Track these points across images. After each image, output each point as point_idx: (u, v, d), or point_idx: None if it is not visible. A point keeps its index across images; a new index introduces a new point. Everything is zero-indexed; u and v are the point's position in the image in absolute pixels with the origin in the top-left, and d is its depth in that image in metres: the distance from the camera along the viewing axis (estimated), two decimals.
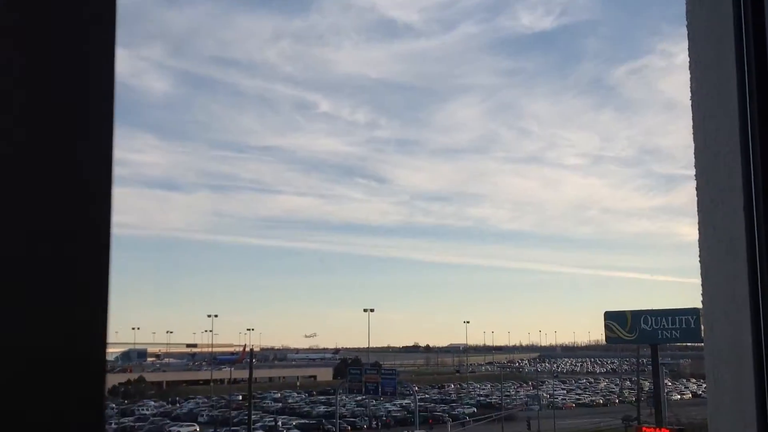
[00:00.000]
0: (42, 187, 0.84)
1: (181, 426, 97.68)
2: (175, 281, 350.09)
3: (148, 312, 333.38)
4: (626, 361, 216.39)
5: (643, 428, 53.55)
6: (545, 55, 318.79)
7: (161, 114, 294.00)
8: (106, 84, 0.90)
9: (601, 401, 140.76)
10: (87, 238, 0.87)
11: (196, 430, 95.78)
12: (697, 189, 1.94)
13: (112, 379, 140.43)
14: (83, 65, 0.88)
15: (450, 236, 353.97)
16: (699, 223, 1.92)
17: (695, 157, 1.94)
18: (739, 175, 1.79)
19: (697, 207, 1.93)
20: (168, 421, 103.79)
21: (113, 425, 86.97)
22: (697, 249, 1.91)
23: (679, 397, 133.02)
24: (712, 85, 1.94)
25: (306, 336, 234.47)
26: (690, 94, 2.02)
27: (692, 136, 1.94)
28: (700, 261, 1.92)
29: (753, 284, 1.73)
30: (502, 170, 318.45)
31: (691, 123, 2.00)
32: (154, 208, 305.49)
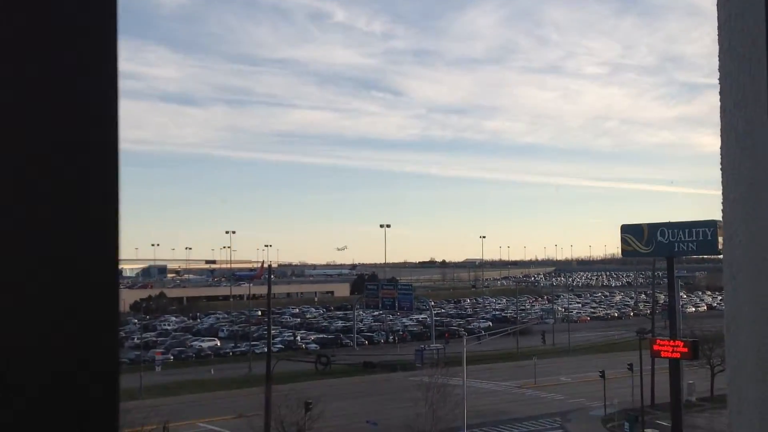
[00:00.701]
0: (46, 105, 0.84)
1: (203, 341, 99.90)
2: (193, 197, 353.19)
3: (166, 228, 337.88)
4: (642, 274, 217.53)
5: (657, 340, 53.97)
6: None
7: (174, 26, 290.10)
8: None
9: (616, 314, 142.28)
10: (95, 153, 0.86)
11: (216, 344, 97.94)
12: (720, 93, 1.83)
13: (133, 295, 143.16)
14: None
15: (467, 150, 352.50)
16: (721, 129, 1.83)
17: (719, 60, 1.83)
18: (765, 78, 1.69)
19: (720, 112, 1.83)
20: (189, 336, 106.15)
21: (136, 340, 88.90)
22: (718, 159, 1.86)
23: (693, 309, 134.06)
24: None
25: (338, 249, 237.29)
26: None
27: (716, 37, 1.87)
28: (721, 168, 1.84)
29: None
30: (520, 81, 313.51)
31: (715, 26, 1.89)
32: (170, 122, 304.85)
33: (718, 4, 1.88)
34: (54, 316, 0.82)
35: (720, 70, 1.86)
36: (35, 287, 0.81)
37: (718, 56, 1.86)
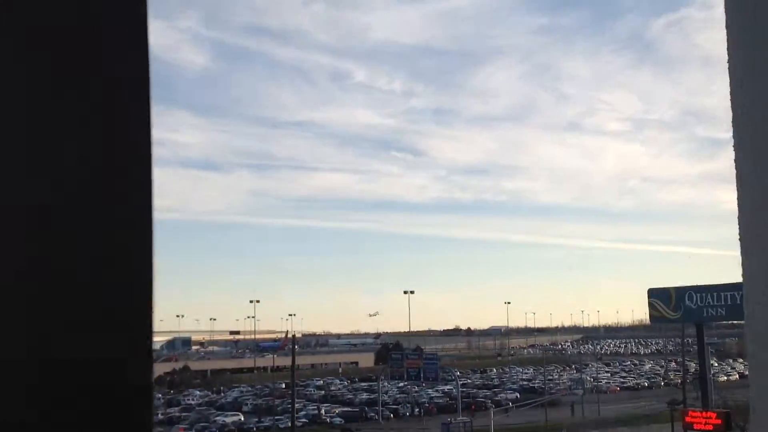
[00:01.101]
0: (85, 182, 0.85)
1: (226, 416, 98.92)
2: (217, 265, 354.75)
3: (191, 298, 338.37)
4: (671, 341, 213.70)
5: (690, 411, 52.71)
6: (580, 9, 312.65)
7: (196, 90, 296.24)
8: (141, 59, 0.89)
9: (646, 384, 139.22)
10: (131, 228, 0.87)
11: (240, 419, 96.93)
12: (735, 160, 1.77)
13: (158, 369, 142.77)
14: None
15: (488, 211, 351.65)
16: (738, 196, 1.77)
17: (733, 124, 1.79)
18: None
19: (736, 178, 1.77)
20: (213, 411, 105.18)
21: (159, 415, 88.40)
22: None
23: (725, 378, 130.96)
24: (749, 41, 1.76)
25: (369, 315, 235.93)
26: (727, 55, 1.83)
27: (729, 99, 1.79)
28: (739, 238, 1.78)
29: None
30: (539, 139, 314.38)
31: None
32: (192, 188, 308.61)
33: (729, 67, 1.81)
34: (85, 394, 0.83)
35: (734, 135, 1.80)
36: (63, 368, 0.82)
37: (732, 120, 1.79)
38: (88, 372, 0.83)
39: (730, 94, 1.81)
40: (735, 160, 1.79)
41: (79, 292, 0.84)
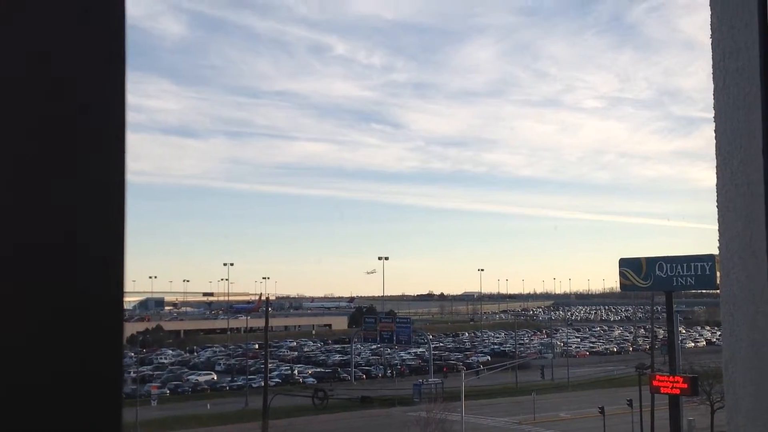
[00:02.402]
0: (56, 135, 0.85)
1: (199, 374, 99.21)
2: (192, 229, 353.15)
3: (164, 260, 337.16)
4: (641, 308, 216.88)
5: (657, 376, 53.69)
6: None
7: (176, 58, 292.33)
8: (115, 26, 0.89)
9: (615, 349, 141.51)
10: (103, 191, 0.88)
11: (213, 378, 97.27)
12: (715, 131, 1.87)
13: (130, 328, 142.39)
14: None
15: (465, 182, 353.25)
16: (717, 166, 1.86)
17: (714, 98, 1.87)
18: (759, 117, 1.72)
19: (716, 150, 1.87)
20: (186, 370, 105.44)
21: (132, 374, 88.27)
22: (714, 193, 1.89)
23: (693, 344, 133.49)
24: (733, 21, 1.85)
25: (367, 273, 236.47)
26: (710, 32, 1.93)
27: (711, 76, 1.87)
28: (717, 206, 1.87)
29: None
30: (518, 114, 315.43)
31: (710, 63, 1.89)
32: (170, 154, 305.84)
33: (712, 44, 1.90)
34: (57, 350, 0.83)
35: (715, 108, 1.88)
36: (36, 322, 0.83)
37: (713, 94, 1.88)
38: (59, 332, 0.83)
39: (712, 68, 1.88)
40: (715, 133, 1.87)
41: (50, 252, 0.84)
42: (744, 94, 1.79)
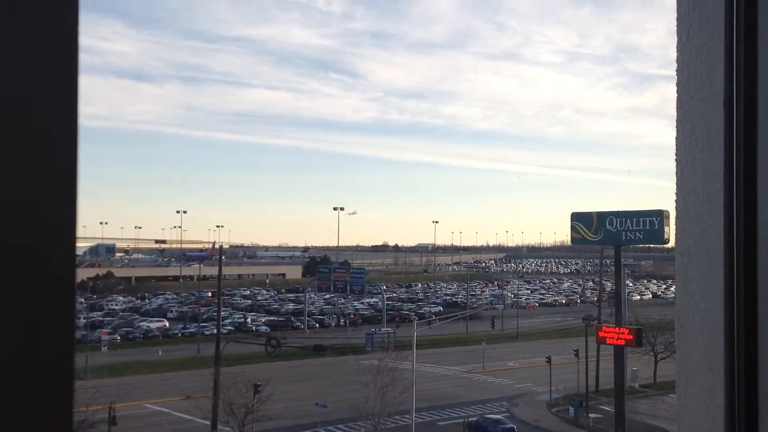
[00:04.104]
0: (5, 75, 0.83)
1: (151, 321, 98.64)
2: (144, 175, 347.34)
3: (116, 206, 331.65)
4: (590, 262, 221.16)
5: (603, 327, 55.00)
6: None
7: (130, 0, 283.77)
8: None
9: (564, 301, 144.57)
10: (53, 132, 0.85)
11: (165, 325, 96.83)
12: (677, 84, 1.87)
13: (81, 274, 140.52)
14: None
15: (423, 134, 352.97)
16: (677, 120, 1.87)
17: (677, 51, 1.87)
18: (721, 70, 1.71)
19: (677, 103, 1.87)
20: (137, 317, 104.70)
21: (82, 319, 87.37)
22: (672, 148, 1.87)
23: (639, 297, 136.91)
24: None
25: (349, 214, 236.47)
26: None
27: (675, 30, 1.88)
28: (675, 159, 1.88)
29: (728, 183, 1.68)
30: (477, 67, 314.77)
31: (669, 17, 1.90)
32: (124, 98, 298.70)
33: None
34: (7, 292, 0.82)
35: (678, 61, 1.87)
36: None
37: (676, 48, 1.87)
38: (9, 275, 0.82)
39: (676, 21, 1.87)
40: (677, 87, 1.87)
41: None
42: (707, 47, 1.78)
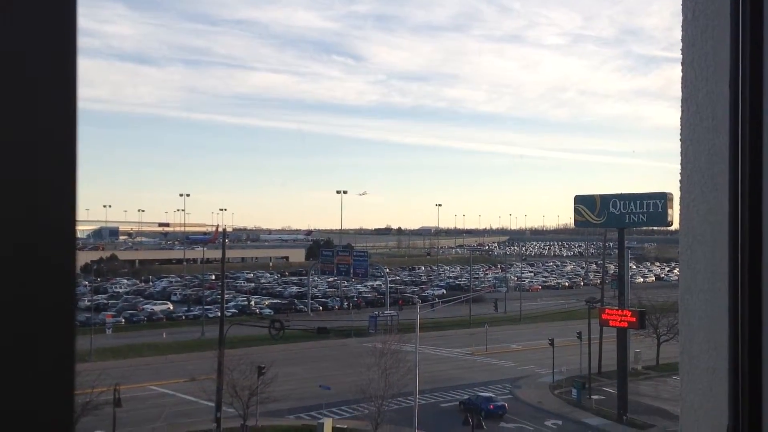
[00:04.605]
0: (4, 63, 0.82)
1: (155, 304, 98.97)
2: (147, 158, 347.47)
3: (119, 189, 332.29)
4: (593, 244, 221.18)
5: (606, 309, 55.09)
6: None
7: None
8: None
9: (567, 284, 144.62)
10: (53, 115, 0.84)
11: (169, 308, 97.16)
12: (682, 63, 1.87)
13: (84, 257, 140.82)
14: None
15: (426, 117, 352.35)
16: (682, 99, 1.87)
17: (682, 30, 1.87)
18: (727, 49, 1.69)
19: (681, 82, 1.87)
20: (141, 299, 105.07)
21: (86, 302, 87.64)
22: (676, 130, 1.87)
23: (642, 280, 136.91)
24: None
25: (359, 194, 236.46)
26: None
27: (679, 9, 1.88)
28: (680, 139, 1.88)
29: (733, 163, 1.66)
30: (480, 49, 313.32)
31: (675, 1, 1.89)
32: (126, 81, 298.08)
33: None
34: (9, 277, 0.81)
35: (683, 40, 1.88)
36: None
37: (682, 26, 1.88)
38: (11, 259, 0.82)
39: (683, 2, 1.88)
40: (682, 66, 1.87)
41: None
42: (713, 26, 1.78)
